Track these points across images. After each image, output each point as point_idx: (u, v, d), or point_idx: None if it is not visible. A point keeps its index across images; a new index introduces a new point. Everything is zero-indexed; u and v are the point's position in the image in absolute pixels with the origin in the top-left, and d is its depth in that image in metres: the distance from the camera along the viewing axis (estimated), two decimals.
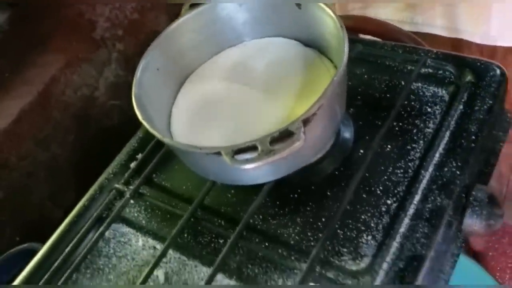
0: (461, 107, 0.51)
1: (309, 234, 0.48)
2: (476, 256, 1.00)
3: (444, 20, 0.83)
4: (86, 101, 0.73)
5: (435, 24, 0.85)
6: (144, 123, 0.45)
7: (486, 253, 1.21)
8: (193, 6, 0.54)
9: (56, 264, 0.52)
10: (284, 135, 0.40)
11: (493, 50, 0.85)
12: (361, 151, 0.51)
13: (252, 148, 0.40)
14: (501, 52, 0.85)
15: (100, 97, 0.75)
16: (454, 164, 0.47)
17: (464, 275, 0.90)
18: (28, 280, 0.52)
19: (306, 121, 0.41)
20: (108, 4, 0.76)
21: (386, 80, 0.56)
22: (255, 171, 0.46)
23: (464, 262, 0.95)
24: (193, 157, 0.47)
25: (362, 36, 0.72)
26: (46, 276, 0.52)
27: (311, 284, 0.44)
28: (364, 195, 0.49)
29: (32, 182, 0.67)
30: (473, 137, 0.49)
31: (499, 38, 0.81)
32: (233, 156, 0.40)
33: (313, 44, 0.54)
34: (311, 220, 0.49)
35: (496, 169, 1.13)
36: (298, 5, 0.51)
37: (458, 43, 0.85)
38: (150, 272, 0.47)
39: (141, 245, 0.53)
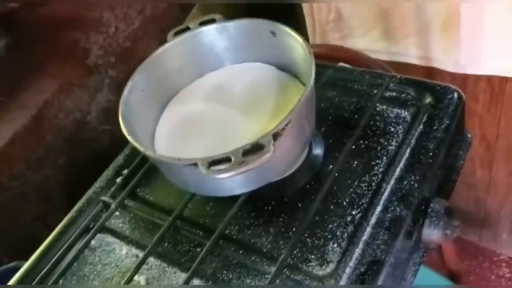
0: (421, 126, 0.56)
1: (280, 242, 0.51)
2: (457, 280, 1.03)
3: (417, 50, 0.89)
4: (78, 125, 0.76)
5: (409, 53, 0.90)
6: (129, 138, 0.49)
7: (467, 277, 1.24)
8: (178, 33, 0.59)
9: (44, 271, 0.55)
10: (256, 148, 0.44)
11: (464, 78, 0.90)
12: (330, 166, 0.56)
13: (226, 159, 0.44)
14: (472, 80, 0.90)
15: (91, 122, 0.78)
16: (413, 178, 0.52)
17: None
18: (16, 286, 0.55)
19: (276, 135, 0.45)
20: (102, 33, 0.80)
21: (354, 102, 0.61)
22: (230, 182, 0.50)
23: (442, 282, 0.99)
24: (173, 169, 0.51)
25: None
26: (33, 283, 0.55)
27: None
28: (332, 207, 0.52)
29: (23, 203, 0.69)
30: (431, 153, 0.53)
31: (469, 66, 0.86)
32: (208, 166, 0.44)
33: (287, 69, 0.59)
34: (283, 230, 0.52)
35: (473, 194, 1.18)
36: (273, 33, 0.56)
37: (431, 71, 0.90)
38: (131, 277, 0.51)
39: (125, 254, 0.56)
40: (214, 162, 0.44)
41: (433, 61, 0.89)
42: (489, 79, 0.88)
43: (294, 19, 0.98)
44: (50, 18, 0.74)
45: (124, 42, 0.84)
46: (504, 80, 0.87)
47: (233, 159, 0.44)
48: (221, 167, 0.44)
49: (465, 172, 1.09)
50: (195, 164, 0.45)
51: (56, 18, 0.75)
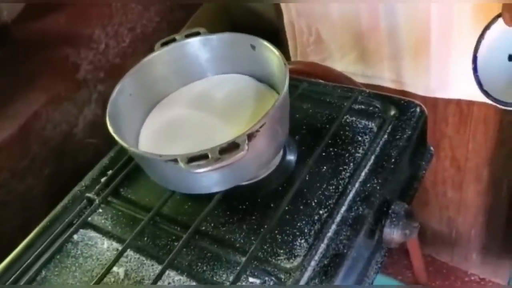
0: (385, 136, 0.61)
1: (252, 238, 0.55)
2: None
3: (391, 73, 0.94)
4: (65, 137, 0.77)
5: (383, 76, 0.95)
6: (115, 135, 0.53)
7: None
8: (165, 44, 0.64)
9: (27, 262, 0.58)
10: (231, 146, 0.48)
11: (435, 101, 0.95)
12: (302, 170, 0.60)
13: (204, 156, 0.48)
14: (442, 103, 0.96)
15: (78, 134, 0.80)
16: (376, 181, 0.56)
17: None
18: (1, 275, 0.58)
19: (250, 136, 0.50)
20: (92, 49, 0.82)
21: (326, 113, 0.66)
22: (207, 180, 0.54)
23: None
24: (155, 166, 0.55)
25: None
26: (16, 273, 0.58)
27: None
28: (301, 207, 0.57)
29: (5, 212, 0.70)
30: (393, 160, 0.58)
31: (438, 90, 0.91)
32: (187, 162, 0.48)
33: (265, 80, 0.64)
34: (255, 227, 0.56)
35: (445, 214, 1.23)
36: (253, 46, 0.61)
37: (404, 94, 0.95)
38: (110, 267, 0.54)
39: (106, 247, 0.59)
40: (193, 158, 0.48)
41: (405, 85, 0.94)
42: (458, 102, 0.93)
43: (278, 41, 1.04)
44: (42, 33, 0.77)
45: (113, 58, 0.86)
46: (471, 103, 0.92)
47: (210, 155, 0.48)
48: (199, 162, 0.48)
49: (437, 192, 1.14)
50: (175, 160, 0.49)
51: (48, 33, 0.78)
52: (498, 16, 0.59)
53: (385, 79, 0.95)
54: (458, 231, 1.20)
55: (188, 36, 0.64)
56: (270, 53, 0.59)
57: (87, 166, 0.71)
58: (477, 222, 1.15)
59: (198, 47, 0.64)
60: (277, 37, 1.03)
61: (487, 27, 0.59)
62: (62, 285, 0.58)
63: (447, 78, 0.88)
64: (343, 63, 0.97)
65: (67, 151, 0.78)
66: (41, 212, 0.67)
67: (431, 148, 0.67)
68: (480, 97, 0.86)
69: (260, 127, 0.51)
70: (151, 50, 0.64)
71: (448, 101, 0.95)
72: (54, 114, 0.75)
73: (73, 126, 0.79)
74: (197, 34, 0.63)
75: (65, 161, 0.78)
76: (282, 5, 0.95)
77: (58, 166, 0.76)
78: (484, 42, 0.60)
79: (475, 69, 0.60)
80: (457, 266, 1.28)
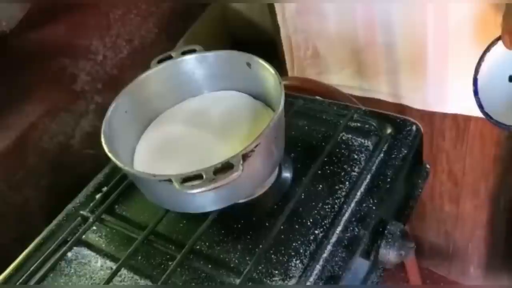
0: (381, 155, 0.60)
1: (247, 258, 0.55)
2: None
3: (388, 87, 0.94)
4: (62, 148, 0.77)
5: (380, 90, 0.95)
6: (110, 155, 0.53)
7: None
8: (161, 61, 0.64)
9: (20, 280, 0.58)
10: (226, 167, 0.48)
11: (432, 115, 0.95)
12: (297, 189, 0.59)
13: (198, 176, 0.48)
14: (439, 117, 0.96)
15: (75, 145, 0.79)
16: (372, 201, 0.56)
17: None
18: None
19: (245, 156, 0.49)
20: (90, 60, 0.83)
21: (322, 131, 0.66)
22: (202, 199, 0.54)
23: None
24: (149, 185, 0.55)
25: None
26: None
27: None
28: (297, 226, 0.56)
29: (1, 224, 0.70)
30: (389, 179, 0.58)
31: (436, 104, 0.91)
32: (182, 182, 0.48)
33: (260, 97, 0.63)
34: (250, 246, 0.56)
35: (442, 228, 1.22)
36: (249, 64, 0.61)
37: (401, 108, 0.96)
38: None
39: (100, 266, 0.59)
40: (187, 179, 0.48)
41: (402, 98, 0.94)
42: (455, 117, 0.93)
43: (275, 54, 1.04)
44: (40, 43, 0.77)
45: (111, 69, 0.86)
46: (468, 118, 0.92)
47: (204, 176, 0.48)
48: (193, 183, 0.48)
49: (435, 206, 1.14)
50: (170, 180, 0.48)
51: (46, 44, 0.78)
52: (498, 38, 0.59)
53: (382, 92, 0.95)
54: (455, 245, 1.20)
55: (185, 53, 0.63)
56: (266, 71, 0.59)
57: (85, 177, 0.71)
58: (475, 236, 1.14)
59: (194, 64, 0.64)
60: (275, 50, 1.03)
61: (487, 50, 0.60)
62: (62, 285, 0.57)
63: (444, 92, 0.88)
64: (340, 77, 0.97)
65: (64, 163, 0.78)
66: (38, 224, 0.67)
67: (427, 166, 0.67)
68: (477, 112, 0.87)
69: (255, 147, 0.50)
70: (149, 62, 0.64)
71: (444, 116, 0.95)
72: (51, 125, 0.74)
73: (70, 137, 0.79)
74: (193, 51, 0.63)
75: (62, 173, 0.77)
76: (279, 20, 0.95)
77: (55, 177, 0.76)
78: (484, 64, 0.60)
79: (475, 92, 0.60)
80: (455, 279, 1.27)
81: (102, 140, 0.55)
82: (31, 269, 0.59)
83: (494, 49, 0.60)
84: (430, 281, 1.27)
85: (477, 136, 0.94)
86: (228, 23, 1.18)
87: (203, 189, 0.47)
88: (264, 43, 0.98)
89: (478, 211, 1.08)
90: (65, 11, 0.80)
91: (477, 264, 1.21)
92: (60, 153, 0.77)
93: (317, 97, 0.69)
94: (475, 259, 1.20)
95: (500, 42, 0.59)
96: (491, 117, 0.60)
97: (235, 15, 1.16)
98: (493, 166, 0.98)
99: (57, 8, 0.78)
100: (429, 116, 0.95)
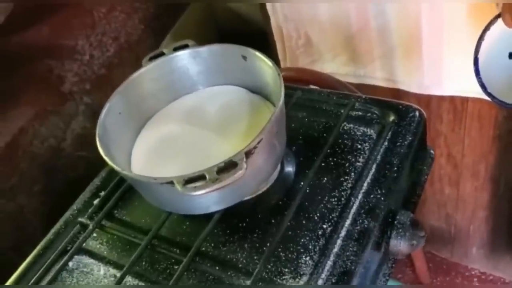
0: (385, 143, 0.59)
1: (255, 257, 0.53)
2: None
3: (383, 73, 0.93)
4: (53, 152, 0.76)
5: (376, 76, 0.94)
6: (106, 159, 0.51)
7: None
8: (153, 58, 0.61)
9: None
10: (229, 165, 0.46)
11: (428, 99, 0.94)
12: (302, 183, 0.58)
13: (201, 177, 0.46)
14: (435, 100, 0.95)
15: (67, 148, 0.78)
16: (379, 192, 0.54)
17: None
18: None
19: (248, 153, 0.47)
20: (77, 61, 0.81)
21: (323, 122, 0.64)
22: (205, 200, 0.52)
23: None
24: (150, 189, 0.53)
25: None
26: None
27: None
28: (304, 221, 0.55)
29: None
30: (395, 168, 0.56)
31: (432, 87, 0.90)
32: (184, 184, 0.46)
33: (258, 91, 0.61)
34: (257, 245, 0.54)
35: (443, 211, 1.22)
36: (244, 57, 0.59)
37: (397, 92, 0.94)
38: None
39: (103, 274, 0.57)
40: (189, 180, 0.46)
41: (398, 83, 0.93)
42: (452, 99, 0.92)
43: (266, 44, 1.02)
44: (24, 46, 0.76)
45: (99, 69, 0.85)
46: (465, 100, 0.91)
47: (207, 176, 0.46)
48: (196, 184, 0.46)
49: (434, 190, 1.13)
50: (171, 183, 0.47)
51: (30, 46, 0.76)
52: (497, 16, 0.57)
53: (378, 78, 0.94)
54: (457, 227, 1.19)
55: (177, 49, 0.61)
56: (262, 63, 0.57)
57: (78, 180, 0.69)
58: (476, 217, 1.14)
59: (187, 60, 0.62)
60: (265, 40, 1.01)
61: (486, 28, 0.58)
62: (63, 285, 0.56)
63: (440, 74, 0.87)
64: (334, 65, 0.95)
65: (56, 167, 0.77)
66: (34, 231, 0.68)
67: (432, 151, 0.65)
68: (474, 93, 0.86)
69: (258, 143, 0.49)
70: (137, 60, 0.62)
71: (441, 98, 0.94)
72: (41, 129, 0.73)
73: (61, 141, 0.78)
74: (185, 46, 0.61)
75: (55, 177, 0.76)
76: (269, 9, 0.93)
77: (48, 182, 0.75)
78: (484, 44, 0.58)
79: (477, 72, 0.58)
80: (458, 261, 1.27)
81: (98, 144, 0.52)
82: (32, 281, 0.57)
83: (493, 28, 0.59)
84: (432, 264, 1.27)
85: (475, 117, 0.93)
86: (216, 15, 1.15)
87: (206, 190, 0.45)
88: (254, 34, 0.96)
89: (479, 192, 1.07)
90: (48, 11, 0.78)
91: (479, 245, 1.20)
92: (52, 157, 0.76)
93: (313, 87, 0.67)
94: (477, 240, 1.19)
95: (499, 21, 0.58)
96: (495, 97, 0.59)
97: (223, 6, 1.13)
98: (492, 147, 0.97)
99: (40, 8, 0.76)
100: (426, 100, 0.94)
